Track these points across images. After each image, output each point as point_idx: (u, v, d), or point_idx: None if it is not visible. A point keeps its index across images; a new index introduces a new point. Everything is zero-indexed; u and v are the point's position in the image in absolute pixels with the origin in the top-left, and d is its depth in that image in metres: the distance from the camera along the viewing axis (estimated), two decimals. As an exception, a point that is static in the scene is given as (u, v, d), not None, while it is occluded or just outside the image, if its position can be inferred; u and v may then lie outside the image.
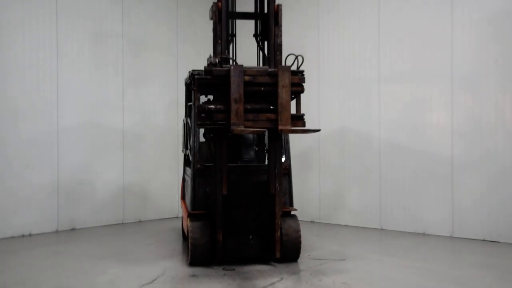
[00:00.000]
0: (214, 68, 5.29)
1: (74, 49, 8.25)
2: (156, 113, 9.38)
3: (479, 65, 7.20)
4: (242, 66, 5.31)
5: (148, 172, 9.25)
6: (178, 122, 9.48)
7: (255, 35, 6.44)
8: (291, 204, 6.14)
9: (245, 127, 5.20)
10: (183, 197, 7.40)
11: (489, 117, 7.12)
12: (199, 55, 9.54)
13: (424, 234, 7.68)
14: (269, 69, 5.43)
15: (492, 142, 7.09)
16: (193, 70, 6.01)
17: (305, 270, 5.66)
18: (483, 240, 7.13)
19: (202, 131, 6.51)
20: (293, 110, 5.49)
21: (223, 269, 5.65)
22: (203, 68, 5.54)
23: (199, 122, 5.29)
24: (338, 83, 8.73)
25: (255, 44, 6.52)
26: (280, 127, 5.24)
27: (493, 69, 7.08)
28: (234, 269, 5.63)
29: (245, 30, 7.25)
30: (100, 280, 5.34)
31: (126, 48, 8.91)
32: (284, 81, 5.28)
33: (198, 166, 6.00)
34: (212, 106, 5.25)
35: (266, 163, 6.12)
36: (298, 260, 6.02)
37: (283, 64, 5.61)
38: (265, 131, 5.15)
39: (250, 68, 5.43)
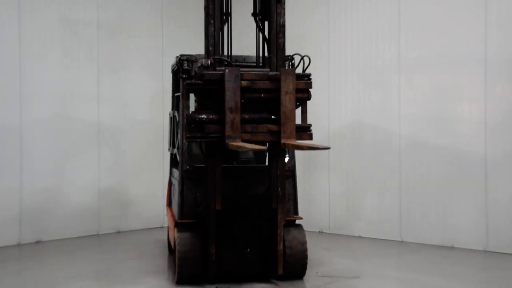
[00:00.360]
0: (205, 72, 5.27)
1: (40, 33, 8.21)
2: (137, 104, 9.35)
3: (517, 48, 7.17)
4: (238, 69, 5.32)
5: (128, 174, 9.22)
6: (164, 116, 9.44)
7: (254, 14, 6.40)
8: (295, 211, 6.13)
9: (243, 140, 5.20)
10: (169, 204, 7.39)
11: (529, 110, 7.10)
12: (189, 37, 9.48)
13: (452, 248, 7.64)
14: (270, 73, 5.44)
15: (533, 139, 7.07)
16: (181, 55, 6.00)
17: (312, 289, 5.64)
18: (523, 254, 7.13)
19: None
20: (298, 120, 5.46)
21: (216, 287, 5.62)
22: (193, 54, 5.51)
23: (188, 135, 5.34)
24: (352, 71, 8.69)
25: (253, 24, 6.47)
26: (283, 141, 5.28)
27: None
28: (228, 289, 5.62)
29: (242, 9, 7.19)
30: (70, 304, 5.32)
31: (101, 29, 8.86)
32: (288, 86, 5.29)
33: (187, 167, 5.98)
34: (204, 116, 5.27)
35: (267, 163, 6.10)
36: (304, 278, 6.00)
37: (286, 50, 5.59)
38: (266, 149, 5.17)
39: (248, 71, 5.46)
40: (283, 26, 5.65)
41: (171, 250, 7.07)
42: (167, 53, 9.57)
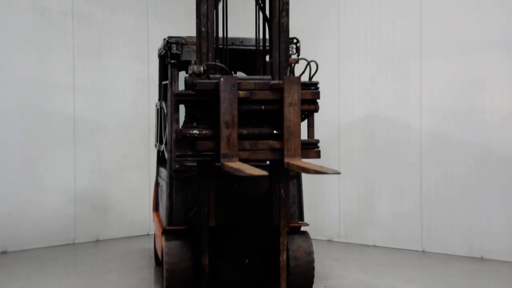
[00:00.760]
0: (197, 81, 5.24)
1: (2, 12, 8.21)
2: (119, 94, 9.39)
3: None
4: (235, 77, 5.27)
5: (108, 174, 9.25)
6: (150, 107, 9.48)
7: (253, -10, 6.42)
8: (301, 217, 6.15)
9: (240, 159, 5.18)
10: (156, 208, 7.40)
11: None
12: (178, 18, 9.49)
13: (482, 259, 7.68)
14: (272, 82, 5.39)
15: None
16: (169, 38, 5.99)
17: (320, 306, 5.70)
18: (561, 266, 7.18)
19: (182, 119, 6.50)
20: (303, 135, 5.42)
21: (210, 304, 5.64)
22: (183, 36, 5.48)
23: (177, 153, 5.27)
24: (365, 56, 8.73)
25: (252, 2, 6.49)
26: (286, 160, 5.23)
27: None
28: (224, 305, 5.66)
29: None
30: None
31: (75, 7, 8.87)
32: (292, 97, 5.24)
33: (177, 166, 5.98)
34: (196, 132, 5.21)
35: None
36: (311, 293, 6.02)
37: (290, 32, 5.57)
38: (267, 174, 5.17)
39: (246, 80, 5.39)
40: (287, 3, 5.57)
41: (158, 261, 7.09)
42: (152, 35, 9.60)
